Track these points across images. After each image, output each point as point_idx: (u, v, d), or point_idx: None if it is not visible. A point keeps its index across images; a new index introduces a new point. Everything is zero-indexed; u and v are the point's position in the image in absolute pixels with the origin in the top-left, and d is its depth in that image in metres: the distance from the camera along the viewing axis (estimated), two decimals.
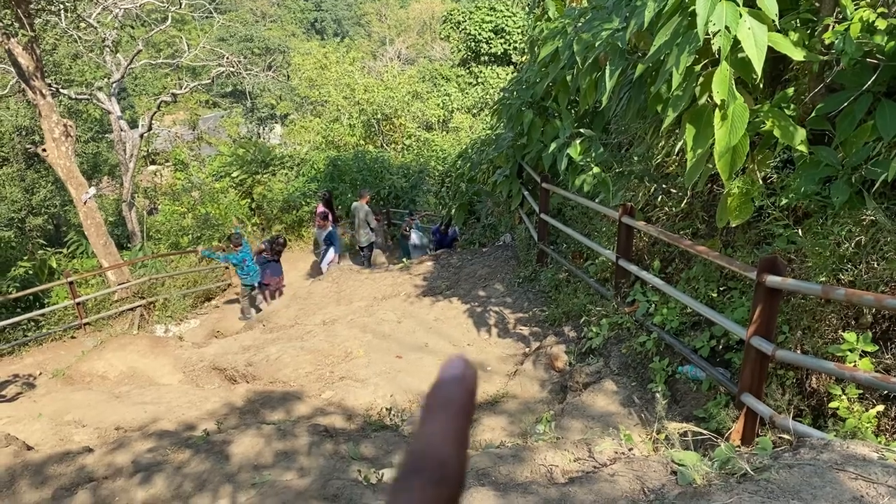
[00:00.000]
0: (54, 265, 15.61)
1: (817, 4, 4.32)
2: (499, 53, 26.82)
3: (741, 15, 3.80)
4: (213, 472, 4.43)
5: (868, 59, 3.88)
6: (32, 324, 11.90)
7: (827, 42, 3.97)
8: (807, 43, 4.18)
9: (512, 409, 5.90)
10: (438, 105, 27.09)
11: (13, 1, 10.96)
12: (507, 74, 25.79)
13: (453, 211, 14.43)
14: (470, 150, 14.45)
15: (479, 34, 26.40)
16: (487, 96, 26.05)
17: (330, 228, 12.54)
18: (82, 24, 17.35)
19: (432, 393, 0.30)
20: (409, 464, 0.28)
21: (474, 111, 27.04)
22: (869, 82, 3.90)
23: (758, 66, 3.78)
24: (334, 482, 3.56)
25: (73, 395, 7.53)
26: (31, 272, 14.35)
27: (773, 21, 3.85)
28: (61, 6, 14.06)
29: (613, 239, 6.83)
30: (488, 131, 16.27)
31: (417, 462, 0.28)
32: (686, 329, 5.50)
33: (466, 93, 27.90)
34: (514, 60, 26.54)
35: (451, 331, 8.21)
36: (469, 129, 24.28)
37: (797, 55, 4.05)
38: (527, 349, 7.33)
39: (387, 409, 5.93)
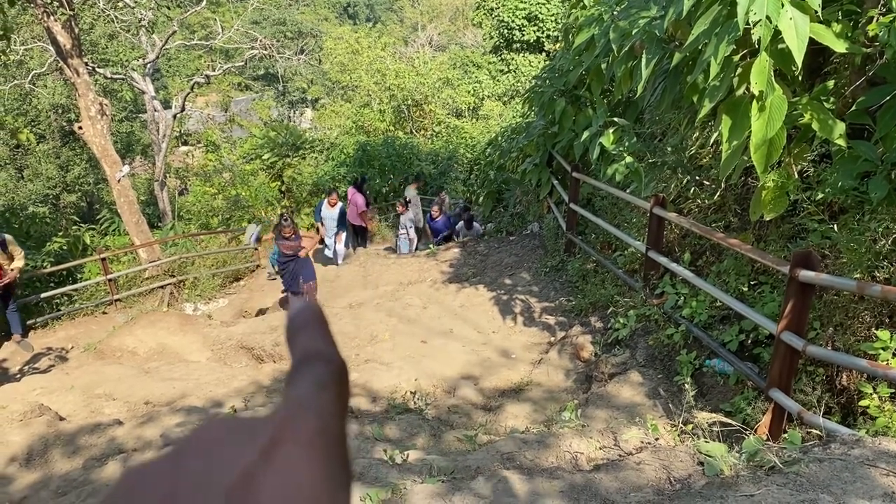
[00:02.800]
0: (87, 242, 15.87)
1: None
2: (531, 41, 26.59)
3: (783, 5, 3.73)
4: None
5: None
6: (65, 298, 12.12)
7: (871, 34, 3.89)
8: (849, 35, 4.10)
9: (536, 397, 5.91)
10: (469, 92, 26.98)
11: None
12: (539, 62, 25.58)
13: (483, 198, 14.38)
14: (500, 138, 14.40)
15: (512, 21, 26.20)
16: (519, 84, 25.87)
17: (340, 205, 12.43)
18: (119, 4, 17.56)
19: (289, 325, 0.36)
20: (297, 360, 0.33)
21: (505, 99, 26.89)
22: None
23: (798, 57, 3.72)
24: (360, 461, 3.60)
25: (104, 369, 7.67)
26: (64, 248, 14.58)
27: (816, 12, 3.79)
28: None
29: (644, 230, 6.78)
30: (519, 119, 16.19)
31: (303, 357, 0.33)
32: (715, 323, 5.46)
33: (497, 80, 27.75)
34: (546, 48, 26.31)
35: (476, 317, 8.23)
36: (499, 118, 24.16)
37: (839, 47, 3.97)
38: (552, 338, 7.32)
39: (411, 392, 5.97)
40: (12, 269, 8.43)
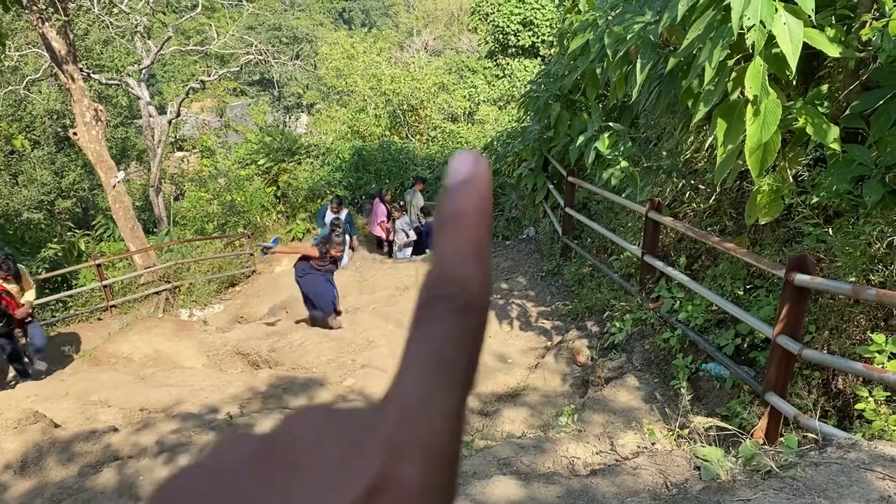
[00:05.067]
0: (82, 248, 15.83)
1: (855, 0, 4.26)
2: (526, 46, 26.63)
3: (777, 10, 3.75)
4: None
5: None
6: (60, 305, 12.08)
7: (864, 39, 3.91)
8: (843, 39, 4.11)
9: (533, 401, 5.91)
10: (464, 97, 26.99)
11: None
12: (534, 67, 25.62)
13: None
14: (495, 143, 14.42)
15: (508, 26, 26.24)
16: (514, 89, 25.89)
17: (346, 212, 12.40)
18: (114, 10, 17.55)
19: (442, 205, 0.26)
20: (429, 289, 0.25)
21: (500, 104, 26.91)
22: None
23: (792, 62, 3.73)
24: None
25: (100, 376, 7.64)
26: (59, 254, 14.55)
27: (810, 16, 3.80)
28: None
29: (639, 234, 6.79)
30: (514, 124, 16.21)
31: (438, 286, 0.25)
32: (711, 326, 5.47)
33: (493, 85, 27.77)
34: (541, 53, 26.36)
35: None
36: (494, 122, 24.18)
37: (833, 52, 3.99)
38: (549, 343, 7.32)
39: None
40: (24, 304, 8.12)
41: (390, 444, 0.24)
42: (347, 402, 6.16)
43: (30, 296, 8.20)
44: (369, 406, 0.26)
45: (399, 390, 0.25)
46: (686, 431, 3.49)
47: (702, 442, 3.00)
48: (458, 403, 0.25)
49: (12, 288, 7.86)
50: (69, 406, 6.58)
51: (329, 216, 12.17)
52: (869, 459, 2.13)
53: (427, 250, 12.79)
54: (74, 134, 12.62)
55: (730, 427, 3.37)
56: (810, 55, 4.41)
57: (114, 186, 12.92)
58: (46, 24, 11.26)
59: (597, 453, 3.08)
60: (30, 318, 8.31)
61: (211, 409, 6.02)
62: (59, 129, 21.40)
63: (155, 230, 18.80)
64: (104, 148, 12.85)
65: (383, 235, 13.93)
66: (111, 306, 12.09)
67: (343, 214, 12.13)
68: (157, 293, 12.81)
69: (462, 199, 0.25)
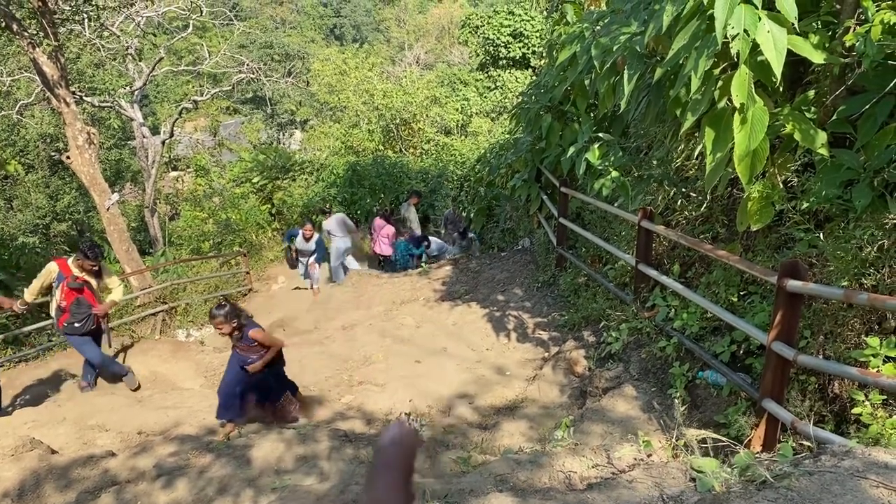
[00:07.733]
0: None
1: (838, 7, 4.29)
2: (517, 57, 26.78)
3: (760, 18, 3.77)
4: (235, 477, 4.47)
5: (890, 62, 3.84)
6: (57, 328, 12.01)
7: (848, 44, 3.93)
8: (827, 45, 4.14)
9: (531, 413, 5.89)
10: (457, 109, 27.08)
11: (39, 11, 11.14)
12: (525, 78, 25.75)
13: (474, 214, 14.38)
14: (489, 155, 14.47)
15: (498, 38, 26.39)
16: (506, 100, 26.00)
17: (317, 236, 12.12)
18: (105, 33, 17.61)
19: (376, 458, 0.37)
20: None
21: (493, 115, 27.00)
22: (891, 84, 3.86)
23: (777, 69, 3.75)
24: (354, 487, 3.58)
25: (97, 400, 7.62)
26: None
27: (793, 24, 3.82)
28: (85, 16, 14.27)
29: (633, 243, 6.80)
30: (507, 135, 16.26)
31: None
32: (706, 334, 5.46)
33: (485, 97, 27.87)
34: (532, 64, 26.51)
35: (469, 335, 8.21)
36: (488, 134, 24.25)
37: (817, 58, 4.01)
38: (546, 354, 7.31)
39: (406, 413, 5.94)
40: (107, 301, 7.95)
41: None
42: (345, 420, 6.15)
43: (116, 295, 7.99)
44: None
45: None
46: (682, 442, 3.49)
47: (698, 452, 3.00)
48: None
49: (93, 283, 7.77)
50: (66, 431, 6.55)
51: (300, 243, 11.95)
52: (863, 467, 2.13)
53: (423, 263, 12.82)
54: (68, 157, 12.62)
55: (723, 439, 3.37)
56: (796, 61, 4.43)
57: (108, 209, 12.91)
58: (37, 49, 11.29)
59: (593, 467, 3.08)
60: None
61: (209, 431, 6.00)
62: (53, 153, 21.44)
63: (151, 251, 18.80)
64: (98, 171, 12.84)
65: (388, 252, 13.86)
66: (108, 329, 12.03)
67: (314, 239, 11.93)
68: (153, 314, 12.77)
69: (392, 453, 0.36)
